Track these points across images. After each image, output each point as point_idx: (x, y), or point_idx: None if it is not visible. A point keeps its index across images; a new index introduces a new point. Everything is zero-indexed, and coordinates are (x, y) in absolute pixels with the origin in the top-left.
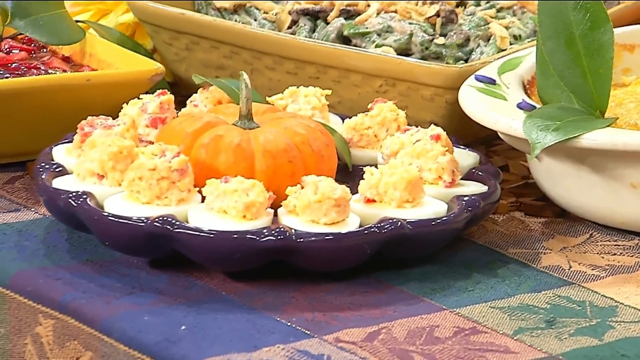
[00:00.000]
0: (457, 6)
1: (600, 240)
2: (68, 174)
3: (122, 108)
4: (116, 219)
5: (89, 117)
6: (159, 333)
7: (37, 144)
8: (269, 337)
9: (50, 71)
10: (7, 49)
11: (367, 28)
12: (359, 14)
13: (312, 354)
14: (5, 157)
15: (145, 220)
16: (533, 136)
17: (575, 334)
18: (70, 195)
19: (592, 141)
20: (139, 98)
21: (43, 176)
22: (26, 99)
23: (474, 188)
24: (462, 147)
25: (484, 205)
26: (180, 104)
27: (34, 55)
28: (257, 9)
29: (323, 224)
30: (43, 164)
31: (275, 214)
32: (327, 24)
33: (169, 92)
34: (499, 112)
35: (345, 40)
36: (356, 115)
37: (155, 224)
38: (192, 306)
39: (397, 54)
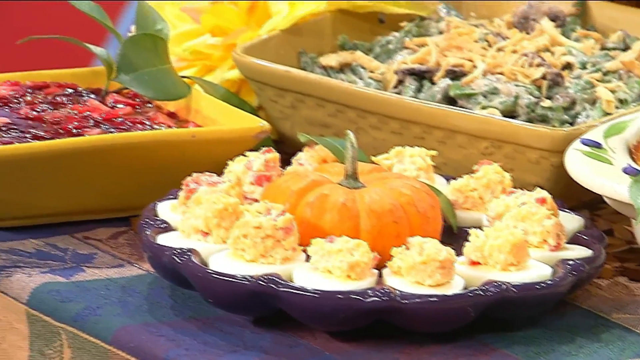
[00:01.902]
0: (563, 69)
1: None
2: (172, 230)
3: (227, 165)
4: (220, 277)
5: (194, 174)
6: None
7: (141, 200)
8: None
9: (155, 127)
10: (112, 104)
11: (473, 89)
12: (465, 75)
13: None
14: (109, 212)
15: (249, 279)
16: (639, 201)
17: None
18: (175, 251)
19: None
20: (244, 155)
21: (147, 232)
22: (131, 154)
23: (579, 252)
24: (567, 210)
25: (589, 270)
26: (285, 161)
27: (139, 110)
28: (363, 67)
29: (428, 285)
30: (147, 220)
31: (380, 275)
32: (433, 84)
33: (274, 150)
34: (605, 176)
35: (450, 100)
36: (461, 177)
37: (259, 282)
38: None
39: (503, 116)
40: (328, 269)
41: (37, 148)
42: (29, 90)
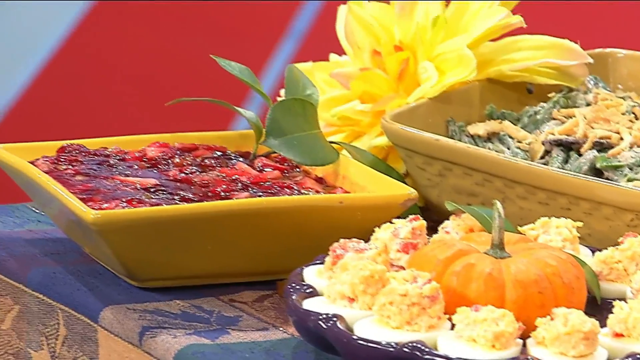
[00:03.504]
0: None
1: None
2: (318, 295)
3: (374, 232)
4: (365, 343)
5: (341, 240)
6: None
7: (287, 264)
8: None
9: (302, 192)
10: (260, 167)
11: (619, 161)
12: (612, 147)
13: None
14: (255, 275)
15: (394, 345)
16: None
17: None
18: (321, 317)
19: None
20: (391, 222)
21: (293, 297)
22: (278, 219)
23: None
24: None
25: None
26: (431, 229)
27: (287, 175)
28: (510, 137)
29: (571, 356)
30: (294, 285)
31: (524, 345)
32: (580, 155)
33: (421, 218)
34: None
35: (597, 172)
36: (606, 249)
37: (404, 349)
38: None
39: None
40: (473, 338)
41: (185, 210)
42: (178, 152)
